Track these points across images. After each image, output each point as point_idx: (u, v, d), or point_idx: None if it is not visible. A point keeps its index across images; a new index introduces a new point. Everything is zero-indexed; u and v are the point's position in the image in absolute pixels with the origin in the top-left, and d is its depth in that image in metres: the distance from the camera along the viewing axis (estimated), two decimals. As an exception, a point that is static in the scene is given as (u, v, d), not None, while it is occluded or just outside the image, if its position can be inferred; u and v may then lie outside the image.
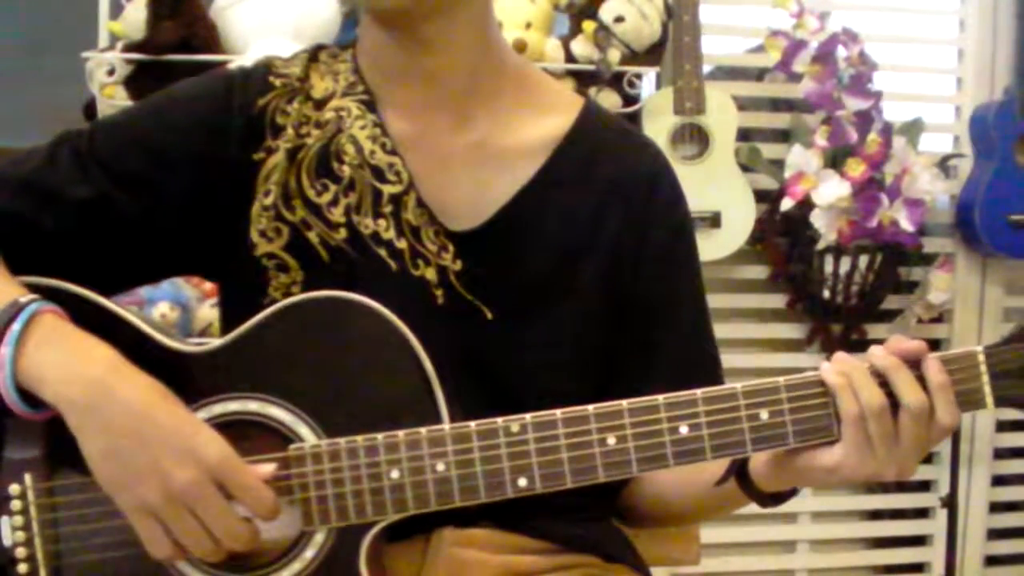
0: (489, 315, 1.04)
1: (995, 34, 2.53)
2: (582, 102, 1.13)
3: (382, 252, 1.03)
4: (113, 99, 1.99)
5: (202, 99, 1.07)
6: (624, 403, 0.91)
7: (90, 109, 2.06)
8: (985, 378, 0.90)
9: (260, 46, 1.98)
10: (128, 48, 2.01)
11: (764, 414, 0.90)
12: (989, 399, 0.90)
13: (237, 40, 2.06)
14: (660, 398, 0.91)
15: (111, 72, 2.01)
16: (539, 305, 1.06)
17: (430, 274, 1.04)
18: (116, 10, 2.06)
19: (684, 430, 0.90)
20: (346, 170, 1.05)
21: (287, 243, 1.04)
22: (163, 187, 1.04)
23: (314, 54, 1.11)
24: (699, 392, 0.91)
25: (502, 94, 1.08)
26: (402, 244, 1.04)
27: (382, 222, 1.04)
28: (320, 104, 1.07)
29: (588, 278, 1.07)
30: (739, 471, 0.97)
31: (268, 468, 0.91)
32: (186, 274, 1.09)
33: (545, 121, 1.10)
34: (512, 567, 1.03)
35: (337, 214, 1.04)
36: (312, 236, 1.04)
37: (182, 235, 1.05)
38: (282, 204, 1.04)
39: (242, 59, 1.93)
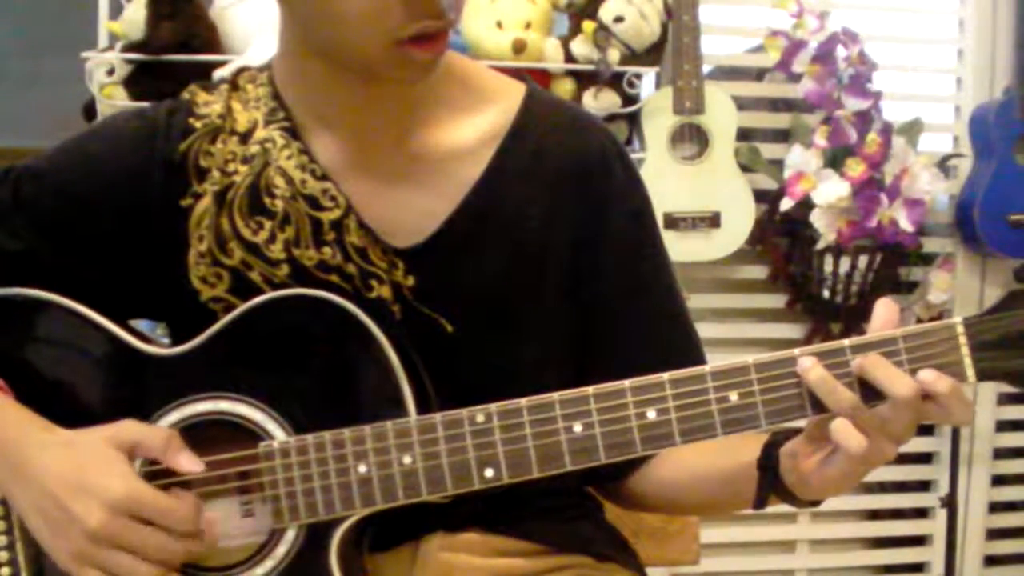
0: (449, 328, 1.01)
1: (995, 34, 2.53)
2: (523, 89, 1.07)
3: (333, 278, 1.01)
4: (113, 99, 2.00)
5: (125, 145, 1.04)
6: (590, 389, 0.89)
7: (90, 109, 2.06)
8: (965, 350, 0.85)
9: (260, 46, 1.97)
10: (128, 48, 2.01)
11: (734, 396, 0.87)
12: (970, 371, 0.85)
13: (237, 40, 2.06)
14: (626, 383, 0.89)
15: (111, 72, 2.01)
16: (500, 311, 1.03)
17: (385, 292, 1.01)
18: (116, 10, 2.06)
19: (652, 415, 0.88)
20: (279, 204, 1.01)
21: (230, 287, 1.02)
22: (90, 237, 1.02)
23: (235, 82, 1.07)
24: (666, 375, 0.88)
25: (440, 100, 1.03)
26: (351, 269, 1.01)
27: (327, 250, 1.01)
28: (245, 137, 1.04)
29: (550, 276, 1.04)
30: (774, 487, 0.94)
31: (197, 467, 0.92)
32: (132, 318, 1.07)
33: (484, 117, 1.05)
34: (502, 570, 1.03)
35: (276, 251, 1.01)
36: (254, 276, 1.02)
37: (117, 284, 1.03)
38: (217, 249, 1.02)
39: (242, 59, 1.93)
